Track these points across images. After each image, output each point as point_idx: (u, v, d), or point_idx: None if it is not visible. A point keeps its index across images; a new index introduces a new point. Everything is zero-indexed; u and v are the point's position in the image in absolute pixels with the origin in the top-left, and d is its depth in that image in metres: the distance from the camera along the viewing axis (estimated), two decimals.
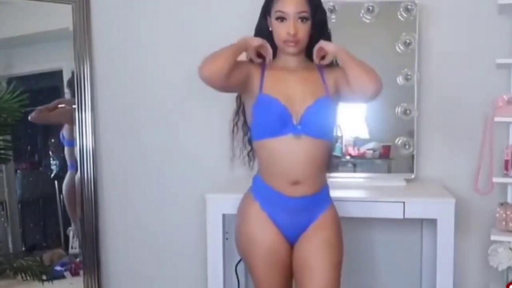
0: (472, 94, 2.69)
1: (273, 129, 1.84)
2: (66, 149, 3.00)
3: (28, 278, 2.69)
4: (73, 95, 2.92)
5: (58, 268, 2.97)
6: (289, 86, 1.87)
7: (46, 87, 3.12)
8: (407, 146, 2.64)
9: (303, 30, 1.84)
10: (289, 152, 1.83)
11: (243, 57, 1.88)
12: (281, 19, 1.84)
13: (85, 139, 2.92)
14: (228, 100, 2.87)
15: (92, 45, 2.93)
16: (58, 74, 3.02)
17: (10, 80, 2.84)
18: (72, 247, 3.02)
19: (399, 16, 2.63)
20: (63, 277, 2.96)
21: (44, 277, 2.76)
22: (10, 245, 3.00)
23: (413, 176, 2.65)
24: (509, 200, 2.59)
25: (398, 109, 2.63)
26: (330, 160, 2.02)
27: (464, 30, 2.70)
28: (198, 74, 1.75)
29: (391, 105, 2.64)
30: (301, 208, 1.88)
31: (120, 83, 2.95)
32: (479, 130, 2.67)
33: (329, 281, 1.88)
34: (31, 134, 3.05)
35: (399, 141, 2.64)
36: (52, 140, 3.05)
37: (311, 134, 1.83)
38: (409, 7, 2.61)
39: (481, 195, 2.65)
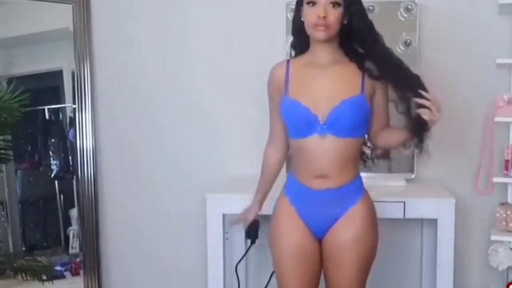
0: (472, 94, 2.69)
1: (299, 131, 1.89)
2: None
3: (28, 278, 2.70)
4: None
5: (58, 268, 2.97)
6: (316, 85, 1.87)
7: (46, 87, 3.12)
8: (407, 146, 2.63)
9: (334, 14, 1.80)
10: (315, 150, 1.86)
11: None
12: (312, 3, 1.81)
13: (85, 139, 2.91)
14: (228, 99, 2.90)
15: (92, 45, 2.92)
16: (58, 74, 3.01)
17: (10, 80, 2.84)
18: (72, 247, 3.02)
19: (399, 16, 2.63)
20: (63, 277, 2.96)
21: (44, 277, 2.76)
22: (10, 245, 3.00)
23: (413, 176, 2.65)
24: (509, 200, 2.59)
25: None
26: (361, 156, 2.07)
27: (464, 30, 2.70)
28: None
29: (391, 104, 2.62)
30: (327, 201, 1.89)
31: (120, 83, 2.95)
32: (479, 130, 2.67)
33: (354, 277, 1.91)
34: (31, 134, 3.05)
35: None
36: (52, 140, 3.05)
37: (337, 134, 1.84)
38: (409, 7, 2.61)
39: (481, 195, 2.65)
